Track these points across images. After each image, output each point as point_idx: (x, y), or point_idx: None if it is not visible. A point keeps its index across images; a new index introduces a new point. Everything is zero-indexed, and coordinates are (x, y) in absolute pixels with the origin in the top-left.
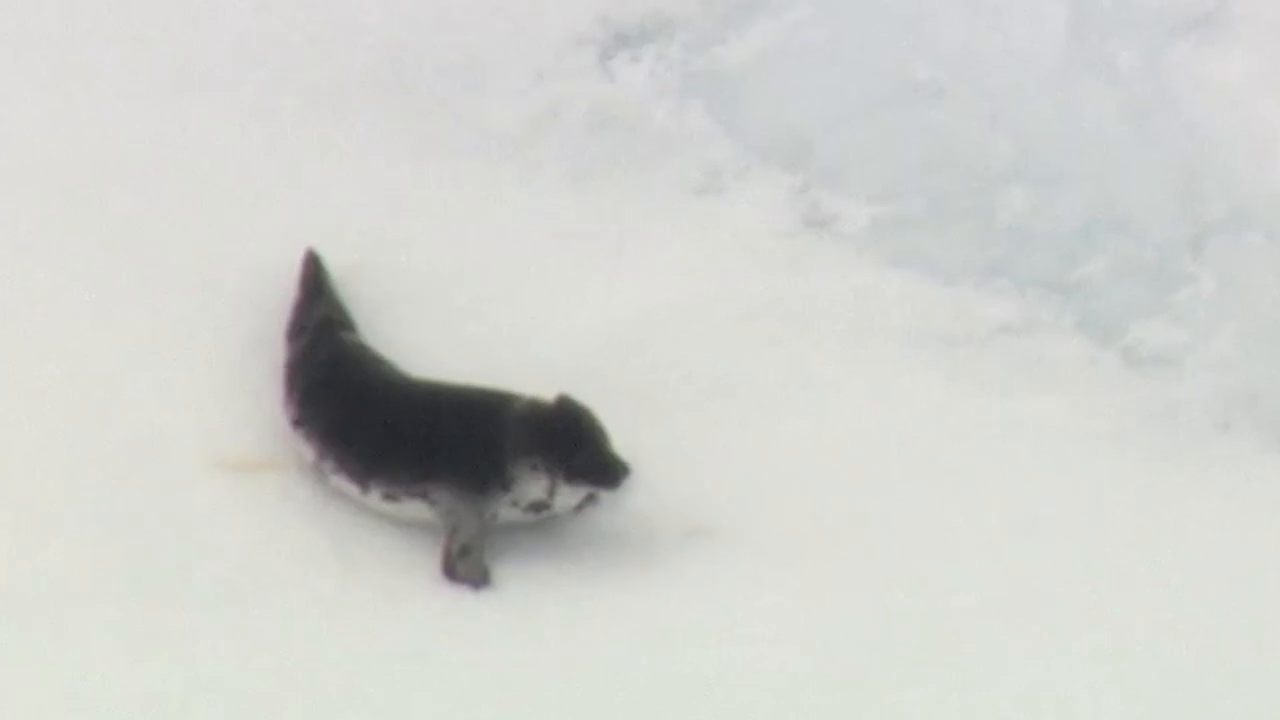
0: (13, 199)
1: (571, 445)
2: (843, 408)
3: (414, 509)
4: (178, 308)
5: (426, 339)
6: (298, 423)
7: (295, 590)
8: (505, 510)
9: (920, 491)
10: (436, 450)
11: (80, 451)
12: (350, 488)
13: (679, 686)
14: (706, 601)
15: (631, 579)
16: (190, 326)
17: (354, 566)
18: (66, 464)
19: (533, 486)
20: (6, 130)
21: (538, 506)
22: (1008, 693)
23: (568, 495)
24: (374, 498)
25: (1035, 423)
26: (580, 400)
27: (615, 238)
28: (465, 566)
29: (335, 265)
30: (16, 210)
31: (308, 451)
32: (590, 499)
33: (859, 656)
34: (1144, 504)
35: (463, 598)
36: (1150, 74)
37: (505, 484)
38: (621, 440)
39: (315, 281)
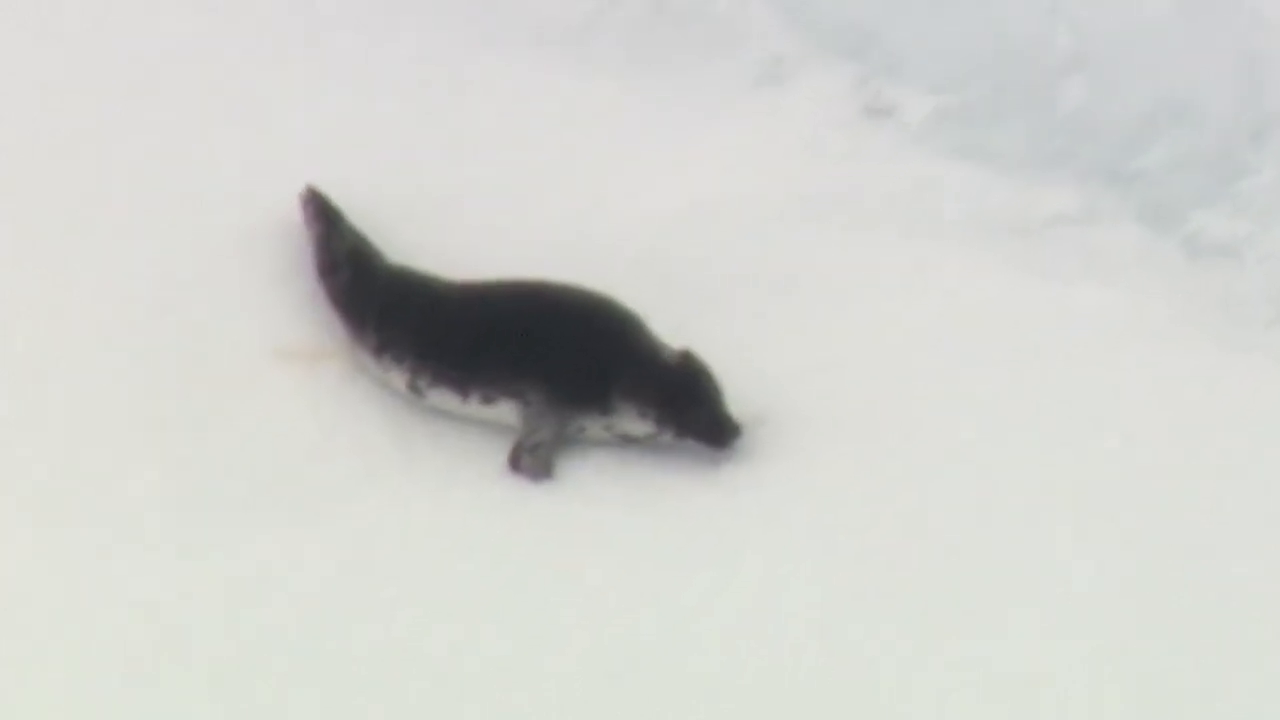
0: (68, 104)
1: (687, 404)
2: (901, 298)
3: (507, 409)
4: (234, 209)
5: (485, 230)
6: (381, 349)
7: (355, 481)
8: (596, 430)
9: (978, 381)
10: (540, 351)
11: (138, 353)
12: (451, 398)
13: (735, 579)
14: (765, 492)
15: (689, 470)
16: (247, 227)
17: (414, 456)
18: (124, 365)
19: (634, 425)
20: (57, 36)
21: (629, 439)
22: (1059, 593)
23: (667, 439)
24: (473, 403)
25: (1094, 312)
26: (700, 358)
27: (675, 129)
28: (531, 460)
29: (392, 161)
30: (73, 113)
31: (398, 375)
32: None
33: (912, 554)
34: (1202, 393)
35: (523, 488)
36: None
37: (605, 409)
38: (678, 331)
39: (327, 215)
